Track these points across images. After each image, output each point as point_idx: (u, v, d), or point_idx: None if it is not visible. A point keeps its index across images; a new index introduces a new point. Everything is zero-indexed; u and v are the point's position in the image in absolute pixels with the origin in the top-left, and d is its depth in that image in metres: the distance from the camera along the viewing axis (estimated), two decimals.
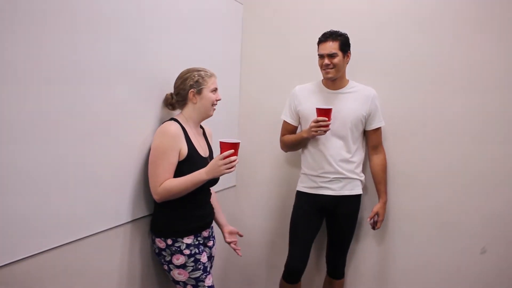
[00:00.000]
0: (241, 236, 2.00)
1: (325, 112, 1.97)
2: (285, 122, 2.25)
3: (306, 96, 2.17)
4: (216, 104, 1.78)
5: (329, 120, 1.97)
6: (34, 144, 1.23)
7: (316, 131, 1.99)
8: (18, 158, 1.19)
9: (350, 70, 2.17)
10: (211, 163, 1.61)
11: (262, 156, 2.59)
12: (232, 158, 1.58)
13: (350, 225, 2.21)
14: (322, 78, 2.15)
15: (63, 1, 1.29)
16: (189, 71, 1.74)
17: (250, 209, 2.67)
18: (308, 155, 2.18)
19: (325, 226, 2.27)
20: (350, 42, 2.09)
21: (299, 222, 2.19)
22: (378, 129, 2.19)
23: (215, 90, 1.75)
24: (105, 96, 1.49)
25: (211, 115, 1.79)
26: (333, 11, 2.39)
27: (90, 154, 1.44)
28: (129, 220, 1.67)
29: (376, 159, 2.22)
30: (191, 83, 1.71)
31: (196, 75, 1.71)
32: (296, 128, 2.24)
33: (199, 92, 1.71)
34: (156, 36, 1.74)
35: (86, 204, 1.45)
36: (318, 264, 2.51)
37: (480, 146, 2.16)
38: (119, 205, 1.62)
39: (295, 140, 2.18)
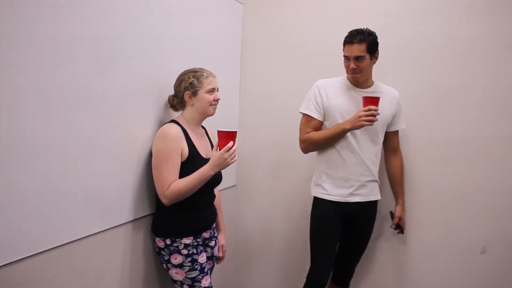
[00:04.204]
0: (221, 256, 1.98)
1: (373, 101, 1.87)
2: (309, 117, 2.03)
3: (334, 91, 2.02)
4: (216, 104, 1.76)
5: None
6: (34, 144, 1.23)
7: (366, 121, 1.85)
8: (18, 158, 1.19)
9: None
10: (215, 157, 1.61)
11: (262, 156, 2.59)
12: (234, 147, 1.61)
13: (369, 233, 2.16)
14: (346, 75, 2.05)
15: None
16: (184, 73, 1.72)
17: (250, 209, 2.67)
18: (338, 158, 2.01)
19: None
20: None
21: (325, 233, 2.06)
22: (398, 131, 2.15)
23: (212, 90, 1.72)
24: (105, 96, 1.48)
25: (212, 114, 1.77)
26: (334, 11, 2.39)
27: (91, 154, 1.43)
28: (131, 219, 1.67)
29: (395, 160, 2.18)
30: (186, 85, 1.70)
31: (191, 77, 1.70)
32: (321, 124, 2.05)
33: (194, 93, 1.70)
34: (155, 36, 1.73)
35: (87, 204, 1.45)
36: None
37: (482, 145, 2.16)
38: (120, 204, 1.61)
39: (331, 134, 1.97)
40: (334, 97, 2.01)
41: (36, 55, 1.21)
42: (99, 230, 1.51)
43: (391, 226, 2.21)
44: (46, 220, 1.29)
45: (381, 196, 2.15)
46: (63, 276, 1.38)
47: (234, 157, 1.63)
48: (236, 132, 1.64)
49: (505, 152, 2.13)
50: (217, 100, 1.75)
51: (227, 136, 1.61)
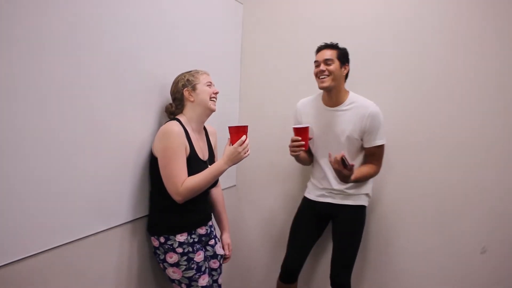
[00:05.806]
0: (227, 255, 1.98)
1: (300, 132, 1.93)
2: None
3: (306, 112, 2.15)
4: (215, 98, 1.76)
5: (304, 139, 1.92)
6: (34, 145, 1.24)
7: (294, 151, 1.96)
8: (18, 158, 1.20)
9: (351, 80, 2.11)
10: (228, 152, 1.63)
11: (262, 156, 2.59)
12: (247, 141, 1.63)
13: (352, 234, 2.10)
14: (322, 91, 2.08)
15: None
16: (178, 76, 1.76)
17: (250, 208, 2.67)
18: (315, 169, 2.21)
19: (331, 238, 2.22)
20: (351, 49, 2.06)
21: (297, 225, 2.22)
22: (379, 147, 2.04)
23: (209, 84, 1.74)
24: (104, 97, 1.49)
25: (214, 109, 1.76)
26: (334, 11, 2.39)
27: (89, 155, 1.44)
28: (129, 220, 1.68)
29: (365, 164, 2.07)
30: (183, 83, 1.72)
31: (186, 75, 1.74)
32: None
33: (194, 88, 1.72)
34: (155, 37, 1.74)
35: (85, 204, 1.45)
36: (319, 272, 2.52)
37: (481, 145, 2.16)
38: (118, 205, 1.62)
39: (295, 158, 2.14)
40: (304, 117, 2.15)
41: (37, 53, 1.21)
42: (98, 231, 1.52)
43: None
44: (45, 221, 1.30)
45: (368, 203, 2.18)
46: (63, 276, 1.39)
47: (248, 150, 1.64)
48: (247, 126, 1.65)
49: (505, 152, 2.12)
50: (216, 94, 1.76)
51: (238, 131, 1.62)
